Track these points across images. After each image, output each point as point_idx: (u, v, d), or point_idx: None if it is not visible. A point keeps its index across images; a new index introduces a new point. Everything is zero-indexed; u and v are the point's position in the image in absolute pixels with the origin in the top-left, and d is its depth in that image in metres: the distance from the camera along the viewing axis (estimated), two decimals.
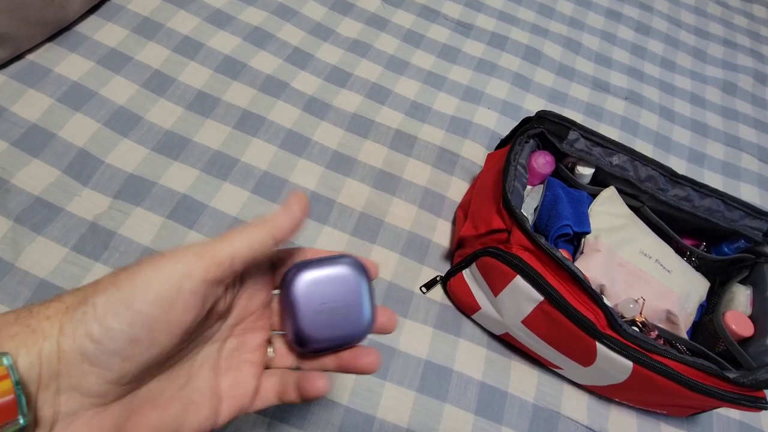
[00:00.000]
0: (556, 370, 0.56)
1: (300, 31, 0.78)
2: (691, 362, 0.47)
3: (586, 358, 0.49)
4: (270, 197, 0.61)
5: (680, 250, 0.62)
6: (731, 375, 0.47)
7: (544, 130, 0.57)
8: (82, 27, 0.67)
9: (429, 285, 0.60)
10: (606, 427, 0.56)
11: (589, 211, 0.58)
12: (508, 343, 0.58)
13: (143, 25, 0.70)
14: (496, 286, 0.51)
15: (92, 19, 0.68)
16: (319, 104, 0.71)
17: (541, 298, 0.47)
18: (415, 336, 0.56)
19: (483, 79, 0.82)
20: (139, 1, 0.72)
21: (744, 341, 0.54)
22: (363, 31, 0.81)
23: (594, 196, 0.60)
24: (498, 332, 0.56)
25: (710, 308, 0.58)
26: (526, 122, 0.60)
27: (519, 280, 0.48)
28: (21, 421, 0.17)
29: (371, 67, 0.77)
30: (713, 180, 0.83)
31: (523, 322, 0.51)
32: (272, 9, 0.78)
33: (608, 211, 0.58)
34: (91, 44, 0.66)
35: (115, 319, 0.20)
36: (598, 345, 0.46)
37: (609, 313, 0.47)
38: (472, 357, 0.56)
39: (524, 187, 0.56)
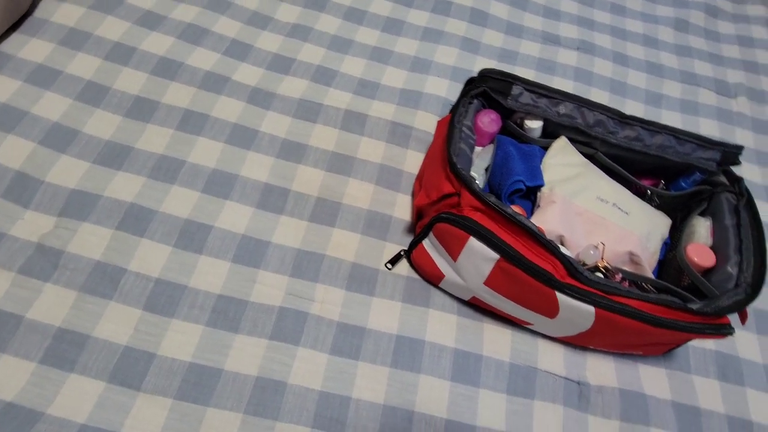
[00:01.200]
0: (527, 326, 0.56)
1: (236, 22, 0.75)
2: (653, 299, 0.47)
3: (550, 309, 0.49)
4: (221, 194, 0.60)
5: (640, 192, 0.62)
6: (694, 306, 0.48)
7: (486, 89, 0.56)
8: (5, 46, 0.65)
9: (394, 260, 0.59)
10: (584, 375, 0.57)
11: (542, 164, 0.58)
12: (478, 307, 0.58)
13: (70, 37, 0.67)
14: (453, 251, 0.51)
15: (15, 37, 0.66)
16: (263, 94, 0.69)
17: (497, 256, 0.47)
18: (384, 313, 0.56)
19: (430, 48, 0.80)
20: (63, 12, 0.69)
21: (708, 272, 0.54)
22: (302, 14, 0.79)
23: (546, 149, 0.59)
24: (466, 297, 0.56)
25: (674, 244, 0.59)
26: (470, 83, 0.59)
27: (473, 242, 0.47)
28: None
29: (314, 49, 0.76)
30: (672, 119, 0.82)
31: (485, 283, 0.51)
32: (204, 3, 0.76)
33: (562, 162, 0.58)
34: (16, 63, 0.64)
35: None
36: (559, 295, 0.46)
37: (567, 262, 0.47)
38: (443, 325, 0.56)
39: (473, 149, 0.55)
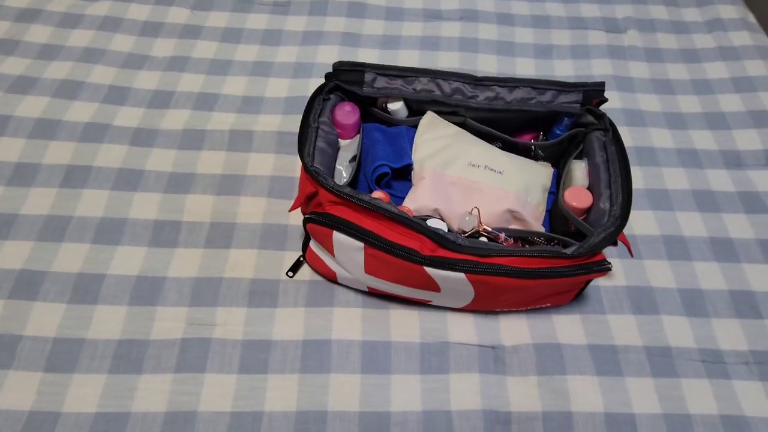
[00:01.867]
0: (429, 304, 0.56)
1: (111, 68, 0.76)
2: (528, 252, 0.48)
3: (431, 284, 0.49)
4: (112, 241, 0.60)
5: (524, 149, 0.62)
6: (568, 250, 0.48)
7: (338, 83, 0.56)
8: None
9: (294, 268, 0.60)
10: (498, 338, 0.57)
11: (414, 143, 0.58)
12: (382, 295, 0.58)
13: None
14: (328, 247, 0.51)
15: None
16: (145, 133, 0.69)
17: (361, 244, 0.47)
18: (289, 321, 0.56)
19: (311, 51, 0.81)
20: None
21: (588, 212, 0.54)
22: (178, 45, 0.80)
23: (417, 127, 0.60)
24: (364, 288, 0.57)
25: (558, 192, 0.59)
26: (329, 78, 0.59)
27: (337, 235, 0.48)
28: None
29: (193, 78, 0.76)
30: (565, 68, 0.83)
31: (366, 272, 0.51)
32: (77, 57, 0.76)
33: (432, 137, 0.58)
34: None
35: None
36: (428, 269, 0.47)
37: (435, 235, 0.47)
38: (349, 321, 0.57)
39: (336, 144, 0.56)
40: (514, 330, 0.57)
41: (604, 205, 0.51)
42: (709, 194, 0.69)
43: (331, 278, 0.58)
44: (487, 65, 0.81)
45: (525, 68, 0.82)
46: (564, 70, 0.82)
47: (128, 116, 0.71)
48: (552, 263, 0.47)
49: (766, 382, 0.55)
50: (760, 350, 0.57)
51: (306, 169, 0.49)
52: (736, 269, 0.63)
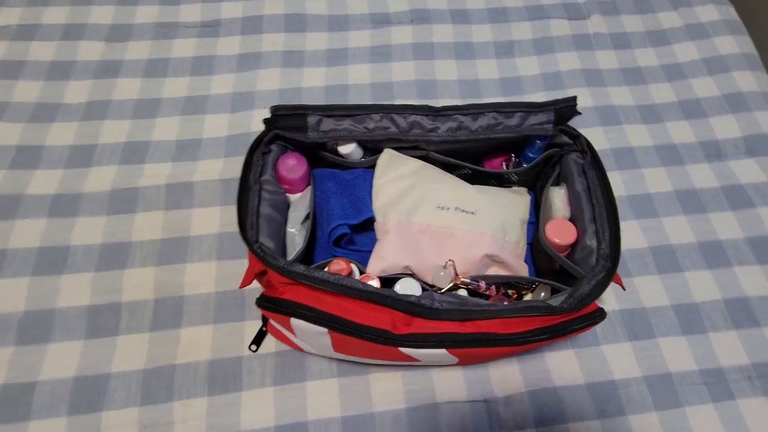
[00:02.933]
0: (411, 363, 0.51)
1: (16, 124, 0.65)
2: (512, 312, 0.42)
3: (408, 359, 0.44)
4: (39, 339, 0.52)
5: (496, 177, 0.56)
6: (557, 301, 0.43)
7: (278, 132, 0.48)
8: None
9: (257, 340, 0.53)
10: (490, 389, 0.52)
11: (373, 186, 0.51)
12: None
13: None
14: (288, 329, 0.44)
15: None
16: (67, 200, 0.60)
17: (324, 329, 0.41)
18: (257, 405, 0.50)
19: (249, 77, 0.72)
20: None
21: (573, 246, 0.49)
22: (94, 87, 0.69)
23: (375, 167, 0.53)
24: (336, 356, 0.51)
25: (538, 222, 0.53)
26: (267, 124, 0.51)
27: (295, 321, 0.41)
28: None
29: (117, 125, 0.66)
30: (530, 66, 0.76)
31: (335, 350, 0.45)
32: None
33: (393, 177, 0.51)
34: None
35: None
36: (402, 349, 0.41)
37: (407, 306, 0.41)
38: (324, 395, 0.51)
39: (283, 204, 0.49)
40: (506, 378, 0.53)
41: (591, 242, 0.46)
42: (693, 193, 0.65)
43: (297, 349, 0.52)
44: (446, 72, 0.74)
45: (487, 71, 0.75)
46: (528, 68, 0.76)
47: (43, 182, 0.61)
48: (541, 323, 0.42)
49: None
50: (761, 362, 0.54)
51: (250, 249, 0.42)
52: (728, 275, 0.59)
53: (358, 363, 0.52)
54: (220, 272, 0.57)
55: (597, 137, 0.69)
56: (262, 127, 0.67)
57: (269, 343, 0.53)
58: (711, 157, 0.68)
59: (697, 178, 0.66)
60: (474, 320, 0.42)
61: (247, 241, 0.42)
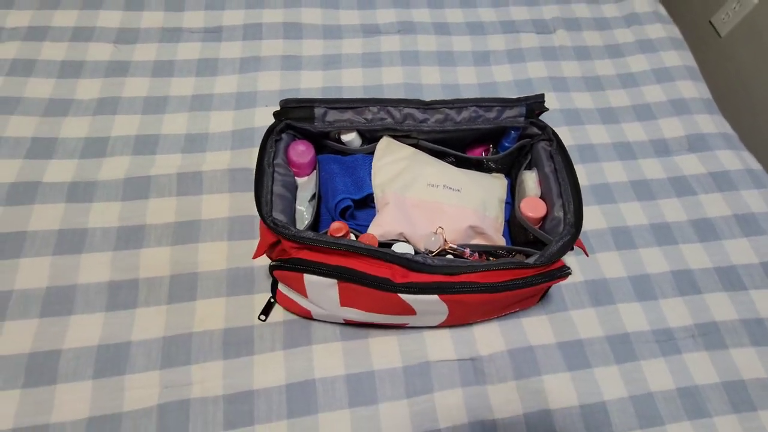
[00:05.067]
0: (406, 327, 0.58)
1: (31, 118, 0.70)
2: (494, 266, 0.50)
3: (406, 309, 0.50)
4: (63, 312, 0.56)
5: (478, 162, 0.64)
6: (531, 260, 0.50)
7: (289, 122, 0.55)
8: None
9: (266, 311, 0.59)
10: (476, 349, 0.59)
11: (372, 169, 0.59)
12: (360, 325, 0.58)
13: None
14: (299, 289, 0.50)
15: None
16: (83, 187, 0.65)
17: (334, 281, 0.47)
18: (269, 367, 0.55)
19: (251, 78, 0.78)
20: None
21: (543, 220, 0.58)
22: (105, 85, 0.74)
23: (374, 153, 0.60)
24: (340, 321, 0.57)
25: (513, 202, 0.62)
26: (277, 117, 0.57)
27: (308, 277, 0.47)
28: None
29: (128, 120, 0.71)
30: (503, 73, 0.86)
31: (342, 305, 0.51)
32: None
33: (389, 161, 0.59)
34: None
35: None
36: (401, 296, 0.48)
37: (404, 261, 0.48)
38: (330, 357, 0.57)
39: (293, 185, 0.55)
40: (489, 338, 0.60)
41: (558, 213, 0.54)
42: (645, 183, 0.75)
43: (305, 315, 0.58)
44: (430, 77, 0.83)
45: (467, 77, 0.84)
46: (503, 75, 0.85)
47: (60, 170, 0.65)
48: (516, 275, 0.50)
49: (710, 351, 0.62)
50: (702, 323, 0.64)
51: (264, 221, 0.48)
52: (674, 251, 0.69)
53: (360, 328, 0.58)
54: (231, 252, 0.62)
55: (563, 135, 0.78)
56: (265, 123, 0.74)
57: (277, 313, 0.59)
58: (660, 152, 0.79)
59: (648, 171, 0.76)
60: (461, 274, 0.49)
61: (263, 215, 0.48)
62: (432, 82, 0.82)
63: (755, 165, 0.78)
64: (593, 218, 0.70)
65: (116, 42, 0.79)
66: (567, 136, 0.79)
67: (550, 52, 0.89)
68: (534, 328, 0.61)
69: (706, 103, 0.85)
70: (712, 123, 0.82)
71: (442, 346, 0.59)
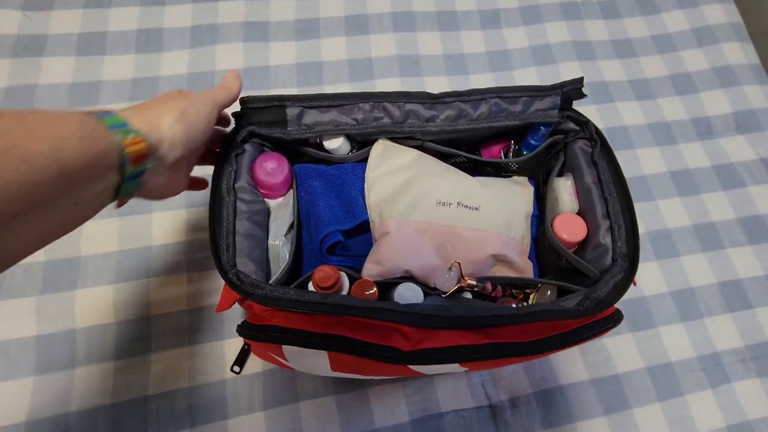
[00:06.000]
0: (414, 377, 0.47)
1: None
2: (526, 317, 0.39)
3: (416, 374, 0.40)
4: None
5: (494, 166, 0.51)
6: (572, 302, 0.39)
7: (252, 128, 0.41)
8: None
9: (240, 360, 0.47)
10: (496, 393, 0.50)
11: (366, 182, 0.45)
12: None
13: None
14: (280, 356, 0.39)
15: None
16: None
17: (324, 351, 0.36)
18: None
19: (207, 54, 0.62)
20: None
21: (583, 242, 0.46)
22: (14, 68, 0.58)
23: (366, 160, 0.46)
24: (330, 374, 0.46)
25: (542, 215, 0.50)
26: (239, 120, 0.43)
27: (288, 347, 0.36)
28: (149, 164, 0.30)
29: None
30: (517, 38, 0.70)
31: (334, 370, 0.40)
32: None
33: (388, 170, 0.45)
34: None
35: (183, 130, 0.32)
36: (411, 366, 0.37)
37: (411, 317, 0.36)
38: (322, 415, 0.47)
39: (263, 213, 0.42)
40: (511, 380, 0.50)
41: (605, 240, 0.43)
42: (687, 174, 0.63)
43: (288, 368, 0.47)
44: (429, 46, 0.67)
45: (473, 44, 0.69)
46: (516, 40, 0.70)
47: None
48: (556, 327, 0.39)
49: (763, 378, 0.53)
50: (754, 344, 0.55)
51: (224, 277, 0.35)
52: (721, 257, 0.59)
53: (357, 378, 0.48)
54: (192, 288, 0.50)
55: (591, 117, 0.65)
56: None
57: (254, 364, 0.48)
58: (703, 134, 0.66)
59: (691, 158, 0.64)
60: (486, 327, 0.38)
61: (222, 268, 0.35)
62: (432, 53, 0.67)
63: None
64: None
65: (25, 8, 0.61)
66: (595, 116, 0.66)
67: (572, 9, 0.74)
68: (564, 364, 0.52)
69: (754, 70, 0.71)
70: (763, 95, 0.69)
71: (455, 391, 0.49)
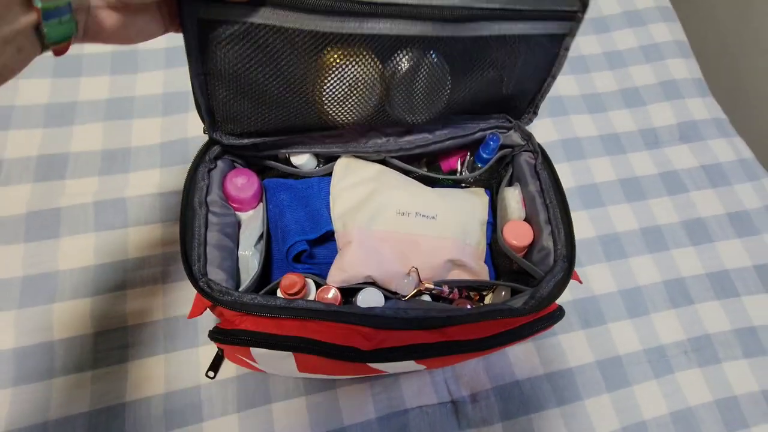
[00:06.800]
0: (379, 375, 0.51)
1: None
2: (476, 316, 0.42)
3: (377, 371, 0.43)
4: None
5: (455, 180, 0.55)
6: (519, 302, 0.43)
7: (225, 146, 0.44)
8: None
9: (214, 365, 0.50)
10: (457, 389, 0.53)
11: (331, 194, 0.49)
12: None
13: None
14: (248, 357, 0.42)
15: None
16: None
17: (290, 353, 0.39)
18: None
19: (182, 73, 0.65)
20: None
21: (531, 246, 0.50)
22: None
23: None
24: (298, 376, 0.49)
25: (495, 222, 0.54)
26: (209, 144, 0.46)
27: (256, 349, 0.39)
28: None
29: (25, 136, 0.58)
30: None
31: (300, 371, 0.43)
32: None
33: (351, 183, 0.49)
34: None
35: None
36: (371, 364, 0.40)
37: (370, 319, 0.39)
38: (293, 416, 0.49)
39: (233, 225, 0.45)
40: (471, 375, 0.54)
41: (548, 243, 0.47)
42: (635, 181, 0.68)
43: (260, 371, 0.50)
44: None
45: None
46: None
47: None
48: (505, 325, 0.43)
49: (703, 367, 0.58)
50: (695, 336, 0.59)
51: (195, 285, 0.38)
52: (666, 258, 0.64)
53: (325, 379, 0.51)
54: (167, 297, 0.52)
55: (546, 128, 0.70)
56: (201, 132, 0.62)
57: (228, 368, 0.51)
58: (649, 144, 0.72)
59: (638, 166, 0.69)
60: (440, 328, 0.41)
61: (193, 278, 0.38)
62: None
63: (747, 153, 0.73)
64: (581, 226, 0.64)
65: None
66: (551, 129, 0.70)
67: None
68: (521, 358, 0.55)
69: (697, 83, 0.77)
70: (704, 107, 0.75)
71: (419, 389, 0.52)
